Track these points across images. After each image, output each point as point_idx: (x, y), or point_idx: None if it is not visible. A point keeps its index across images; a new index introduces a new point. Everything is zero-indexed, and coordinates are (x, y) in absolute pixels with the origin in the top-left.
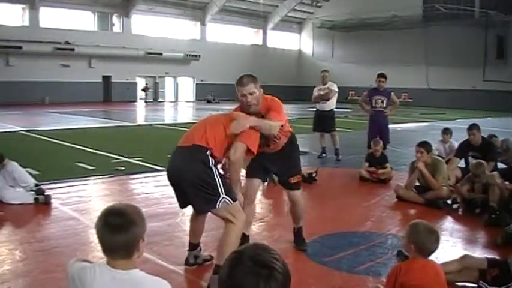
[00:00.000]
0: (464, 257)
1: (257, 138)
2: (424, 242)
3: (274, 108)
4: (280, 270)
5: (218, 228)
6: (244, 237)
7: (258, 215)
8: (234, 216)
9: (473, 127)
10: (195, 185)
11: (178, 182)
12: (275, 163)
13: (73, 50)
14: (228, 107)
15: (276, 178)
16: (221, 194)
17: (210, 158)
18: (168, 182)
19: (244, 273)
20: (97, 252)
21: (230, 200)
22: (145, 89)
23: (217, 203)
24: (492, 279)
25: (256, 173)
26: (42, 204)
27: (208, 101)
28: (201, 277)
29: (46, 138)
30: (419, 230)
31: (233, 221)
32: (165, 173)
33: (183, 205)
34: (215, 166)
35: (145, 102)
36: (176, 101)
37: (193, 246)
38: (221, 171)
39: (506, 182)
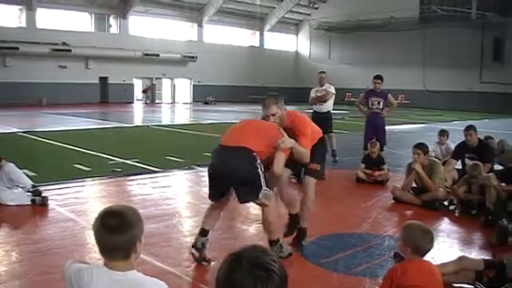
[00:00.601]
0: (461, 258)
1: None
2: (419, 242)
3: (300, 130)
4: (278, 272)
5: (215, 230)
6: (296, 216)
7: (254, 217)
8: (270, 200)
9: (470, 128)
10: (242, 180)
11: (224, 177)
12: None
13: (70, 51)
14: (225, 109)
15: None
16: (263, 186)
17: (256, 157)
18: (165, 184)
19: (242, 275)
20: (94, 254)
21: (268, 190)
22: (145, 91)
23: (260, 194)
24: (488, 281)
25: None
26: (39, 205)
27: (206, 103)
28: (198, 278)
29: (43, 140)
30: (414, 231)
31: (269, 204)
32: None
33: (216, 198)
34: (259, 164)
35: (146, 103)
36: (173, 102)
37: (204, 232)
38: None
39: (503, 184)
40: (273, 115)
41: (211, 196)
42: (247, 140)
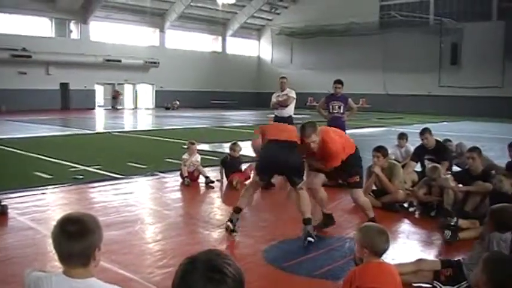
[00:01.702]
0: (419, 260)
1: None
2: (377, 243)
3: (330, 159)
4: (231, 275)
5: (178, 236)
6: (329, 216)
7: (218, 222)
8: (302, 185)
9: (425, 131)
10: (293, 167)
11: (279, 165)
12: (337, 172)
13: (30, 57)
14: (188, 114)
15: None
16: (304, 171)
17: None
18: (127, 191)
19: (195, 278)
20: (55, 262)
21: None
22: (115, 96)
23: (303, 177)
24: (446, 279)
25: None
26: None
27: (167, 108)
28: (160, 285)
29: (2, 147)
30: (371, 232)
31: (303, 188)
32: (146, 175)
33: (266, 180)
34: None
35: (116, 109)
36: (135, 108)
37: (240, 210)
38: None
39: (460, 185)
40: (313, 142)
41: (264, 181)
42: (292, 136)
